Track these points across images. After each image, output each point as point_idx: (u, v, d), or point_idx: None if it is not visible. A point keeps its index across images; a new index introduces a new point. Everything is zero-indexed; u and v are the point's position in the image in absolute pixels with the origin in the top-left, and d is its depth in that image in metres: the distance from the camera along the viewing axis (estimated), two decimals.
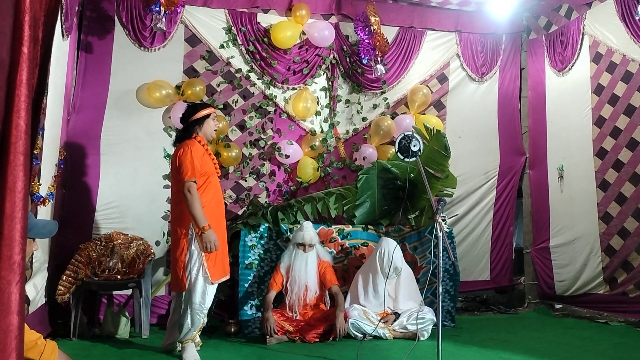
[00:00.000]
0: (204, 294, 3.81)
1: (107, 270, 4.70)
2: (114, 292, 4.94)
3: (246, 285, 4.76)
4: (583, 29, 5.62)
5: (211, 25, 5.57)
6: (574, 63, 5.76)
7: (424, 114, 6.14)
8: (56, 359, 2.19)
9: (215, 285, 3.90)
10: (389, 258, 4.60)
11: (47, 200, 3.95)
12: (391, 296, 4.70)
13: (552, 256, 5.99)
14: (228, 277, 4.04)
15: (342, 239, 5.10)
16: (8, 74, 1.13)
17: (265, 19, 5.73)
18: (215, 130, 4.07)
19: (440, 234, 3.36)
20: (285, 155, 5.59)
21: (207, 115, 3.99)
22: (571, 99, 5.83)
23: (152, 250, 4.91)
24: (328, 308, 4.62)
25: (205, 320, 3.94)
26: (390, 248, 4.65)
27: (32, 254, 2.14)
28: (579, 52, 5.69)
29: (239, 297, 4.74)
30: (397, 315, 4.57)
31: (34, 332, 2.15)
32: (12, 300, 1.07)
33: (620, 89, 5.25)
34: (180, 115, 4.11)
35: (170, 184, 5.23)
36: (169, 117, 5.31)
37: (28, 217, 1.20)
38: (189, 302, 3.79)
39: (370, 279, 4.70)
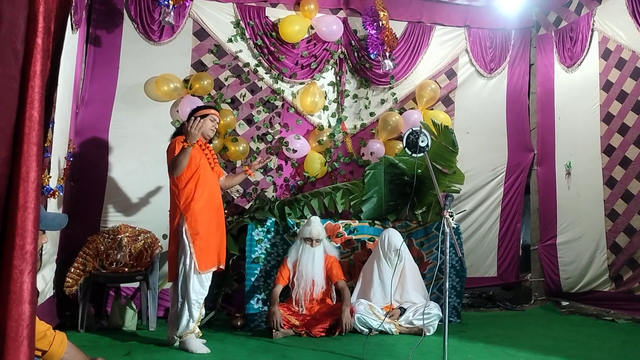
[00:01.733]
0: (201, 283, 3.88)
1: (114, 263, 4.73)
2: (122, 285, 4.97)
3: (253, 279, 4.77)
4: (593, 25, 5.58)
5: (219, 19, 5.57)
6: (583, 59, 5.73)
7: (432, 109, 6.12)
8: (65, 349, 2.20)
9: (210, 275, 3.95)
10: (389, 243, 4.64)
11: (56, 193, 3.97)
12: (398, 286, 4.70)
13: (558, 253, 5.98)
14: (216, 268, 4.05)
15: (348, 234, 5.10)
16: (22, 65, 1.13)
17: (273, 13, 5.73)
18: (211, 130, 4.16)
19: (447, 230, 3.36)
20: (293, 149, 5.60)
21: (205, 115, 4.09)
22: (580, 95, 5.80)
23: (159, 244, 4.92)
24: (334, 303, 4.63)
25: (203, 312, 4.01)
26: (391, 234, 4.72)
27: (42, 246, 2.14)
28: (588, 48, 5.65)
29: (245, 290, 4.76)
30: (402, 310, 4.57)
31: (43, 323, 2.16)
32: (24, 290, 1.08)
33: (629, 86, 5.21)
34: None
35: None
36: (177, 111, 5.32)
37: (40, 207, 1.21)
38: (185, 293, 3.85)
39: (376, 268, 4.71)
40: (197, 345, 3.81)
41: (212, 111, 4.19)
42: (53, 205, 4.11)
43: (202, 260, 3.87)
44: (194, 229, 3.86)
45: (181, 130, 4.11)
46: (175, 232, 3.94)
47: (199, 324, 3.95)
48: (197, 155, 3.98)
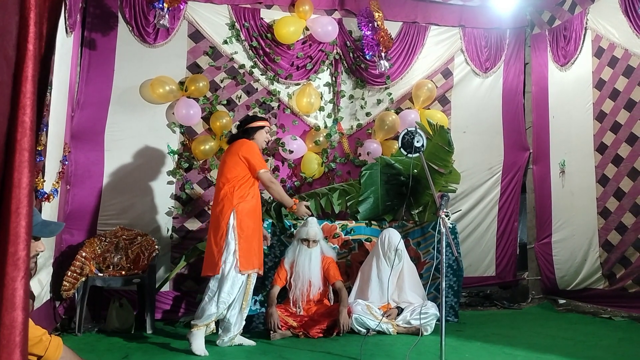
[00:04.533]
0: (233, 285, 3.91)
1: (111, 266, 4.73)
2: (119, 288, 4.95)
3: None
4: (586, 23, 5.60)
5: (214, 21, 5.57)
6: (577, 58, 5.75)
7: (429, 109, 6.13)
8: (61, 354, 2.19)
9: (243, 278, 3.95)
10: (390, 242, 4.64)
11: (51, 197, 3.96)
12: (396, 287, 4.71)
13: (553, 251, 6.00)
14: (259, 272, 4.12)
15: (345, 235, 5.11)
16: (14, 71, 1.13)
17: (268, 15, 5.73)
18: (265, 141, 4.33)
19: (443, 230, 3.37)
20: (289, 150, 5.60)
21: (262, 127, 4.28)
22: (573, 94, 5.83)
23: (156, 246, 4.90)
24: (332, 303, 4.63)
25: (227, 313, 3.99)
26: (391, 233, 4.72)
27: (38, 253, 2.11)
28: (582, 47, 5.68)
29: None
30: (399, 310, 4.58)
31: (39, 327, 2.15)
32: (17, 297, 1.08)
33: (621, 84, 5.24)
34: (238, 122, 4.50)
35: (174, 180, 5.31)
36: (173, 113, 5.32)
37: (33, 214, 1.20)
38: (219, 289, 3.89)
39: (375, 267, 4.71)
40: (200, 346, 3.82)
41: (267, 123, 4.37)
42: (49, 209, 4.10)
43: (244, 260, 3.92)
44: (241, 228, 3.94)
45: (244, 135, 4.21)
46: (222, 226, 3.96)
47: (240, 332, 4.08)
48: None
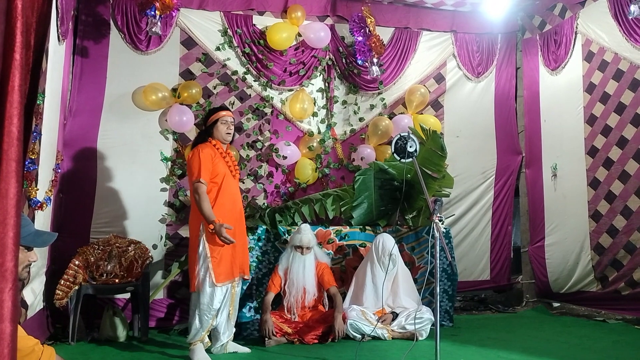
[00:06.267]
0: (212, 296, 3.83)
1: (105, 274, 4.70)
2: (112, 296, 4.93)
3: (244, 287, 4.75)
4: (576, 27, 5.64)
5: (207, 27, 5.57)
6: (567, 62, 5.79)
7: (422, 113, 6.15)
8: None
9: (224, 288, 3.89)
10: (384, 247, 4.64)
11: (44, 205, 3.94)
12: (390, 292, 4.71)
13: (545, 255, 6.02)
14: (244, 277, 4.13)
15: (339, 240, 5.10)
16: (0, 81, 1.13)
17: (260, 21, 5.74)
18: (228, 133, 4.09)
19: (437, 234, 3.37)
20: (283, 156, 5.60)
21: (216, 121, 4.05)
22: (564, 98, 5.86)
23: (149, 254, 4.89)
24: (326, 309, 4.62)
25: (215, 323, 3.96)
26: (385, 239, 4.72)
27: (30, 263, 2.09)
28: (572, 51, 5.72)
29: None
30: (394, 315, 4.57)
31: (31, 337, 2.14)
32: (5, 308, 1.07)
33: (611, 87, 5.28)
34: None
35: (167, 187, 5.32)
36: (166, 120, 5.31)
37: (21, 224, 1.20)
38: (197, 302, 3.84)
39: (369, 272, 4.71)
40: (202, 356, 3.82)
41: (222, 113, 4.10)
42: (42, 218, 4.08)
43: (219, 273, 3.83)
44: (212, 240, 3.82)
45: (197, 139, 4.12)
46: (194, 240, 3.91)
47: (208, 333, 3.98)
48: (219, 165, 3.96)
